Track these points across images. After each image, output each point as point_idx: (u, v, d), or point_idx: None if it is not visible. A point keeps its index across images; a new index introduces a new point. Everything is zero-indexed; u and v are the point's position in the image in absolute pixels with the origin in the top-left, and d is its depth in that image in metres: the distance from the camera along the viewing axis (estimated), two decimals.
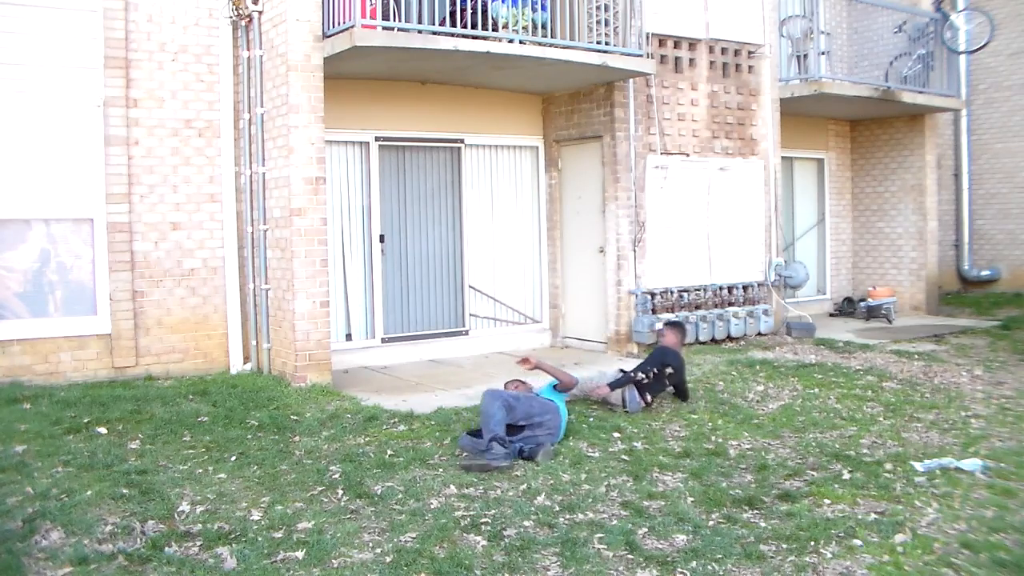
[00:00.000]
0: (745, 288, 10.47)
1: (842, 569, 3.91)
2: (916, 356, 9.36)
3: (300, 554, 3.96)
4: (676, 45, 9.97)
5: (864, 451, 5.80)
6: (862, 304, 12.56)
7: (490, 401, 5.61)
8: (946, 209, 14.79)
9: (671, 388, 7.20)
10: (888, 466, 5.42)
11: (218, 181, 8.21)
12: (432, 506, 4.62)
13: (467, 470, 5.25)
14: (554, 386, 6.31)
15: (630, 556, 4.03)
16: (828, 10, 12.56)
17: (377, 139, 9.18)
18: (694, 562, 3.94)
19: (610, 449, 5.82)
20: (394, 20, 7.82)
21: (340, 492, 4.84)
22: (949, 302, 13.77)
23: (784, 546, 4.16)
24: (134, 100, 7.82)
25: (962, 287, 15.13)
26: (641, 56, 8.92)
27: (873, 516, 4.56)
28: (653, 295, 9.64)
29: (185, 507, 4.53)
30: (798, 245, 12.98)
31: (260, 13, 7.97)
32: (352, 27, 7.27)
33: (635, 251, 9.55)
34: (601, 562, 3.95)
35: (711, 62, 10.27)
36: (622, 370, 7.21)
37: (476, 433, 5.64)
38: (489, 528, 4.30)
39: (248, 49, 8.11)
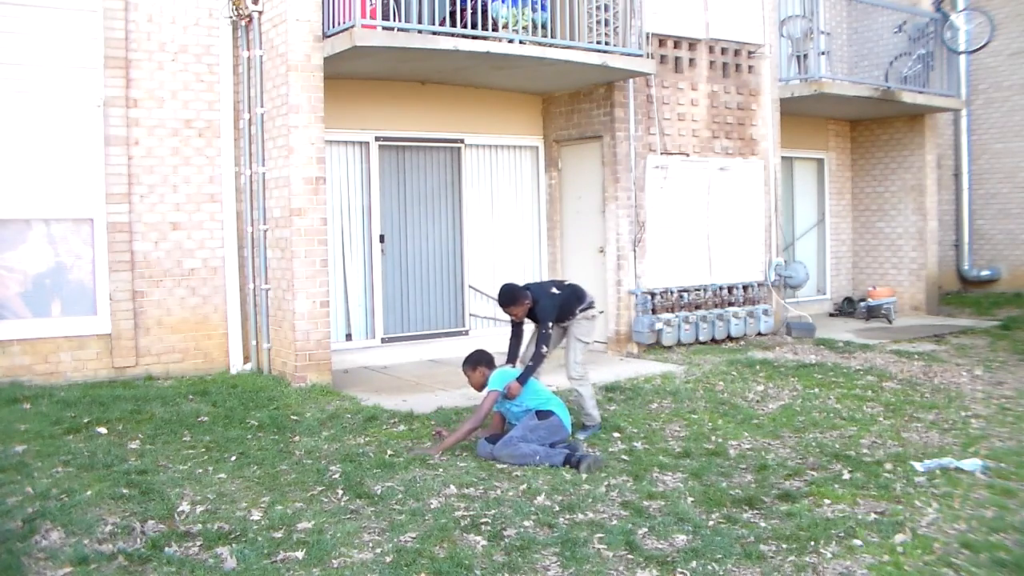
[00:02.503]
0: (745, 288, 10.47)
1: (842, 569, 3.91)
2: (916, 356, 9.35)
3: (300, 554, 3.95)
4: (676, 45, 9.97)
5: (864, 451, 5.79)
6: (862, 304, 12.56)
7: (518, 450, 5.46)
8: (946, 209, 14.79)
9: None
10: (888, 466, 5.42)
11: (218, 181, 8.21)
12: (432, 506, 4.61)
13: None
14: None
15: (630, 556, 4.02)
16: (828, 10, 12.56)
17: (377, 139, 9.18)
18: (694, 562, 3.93)
19: (610, 449, 5.82)
20: (394, 20, 7.83)
21: (340, 492, 4.84)
22: (949, 302, 13.77)
23: (784, 546, 4.15)
24: (134, 100, 7.82)
25: (962, 287, 15.13)
26: (641, 56, 8.92)
27: (873, 516, 4.55)
28: (653, 295, 9.64)
29: (185, 507, 4.53)
30: (798, 245, 12.97)
31: (260, 13, 7.97)
32: (352, 27, 7.27)
33: (635, 251, 9.55)
34: (601, 562, 3.95)
35: (711, 62, 10.26)
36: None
37: (492, 439, 5.68)
38: (489, 528, 4.30)
39: (248, 49, 8.11)
